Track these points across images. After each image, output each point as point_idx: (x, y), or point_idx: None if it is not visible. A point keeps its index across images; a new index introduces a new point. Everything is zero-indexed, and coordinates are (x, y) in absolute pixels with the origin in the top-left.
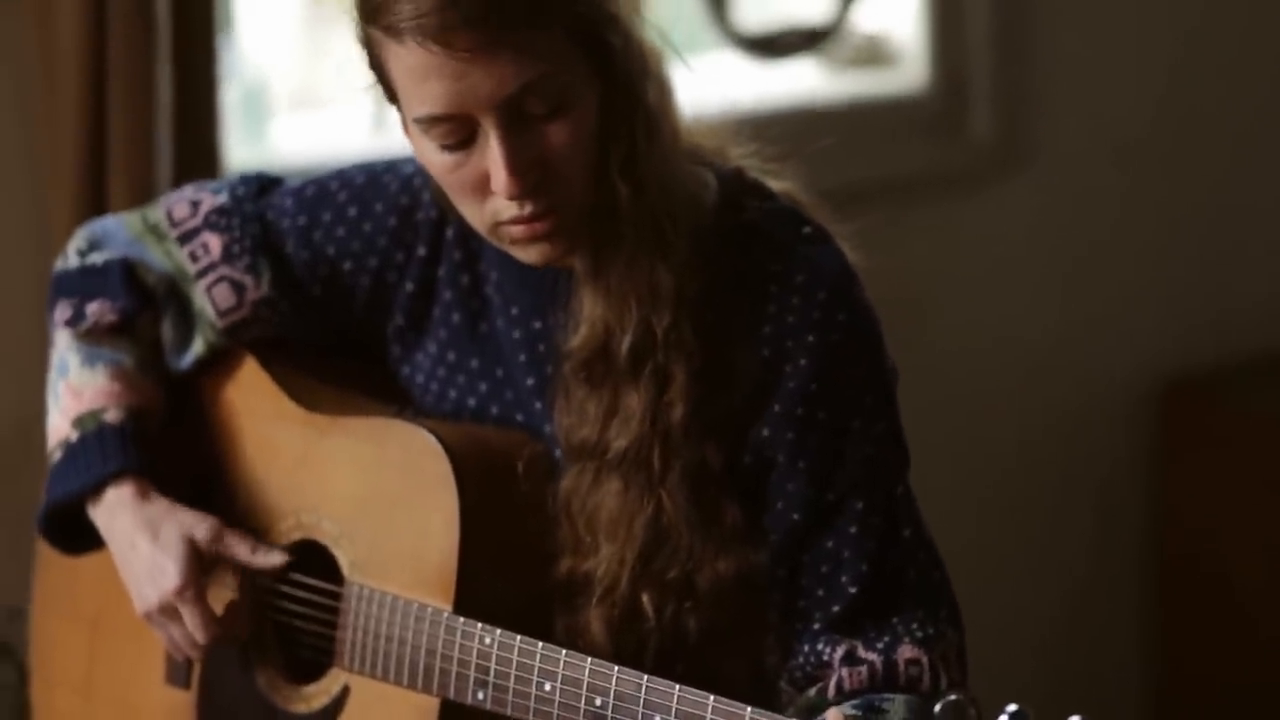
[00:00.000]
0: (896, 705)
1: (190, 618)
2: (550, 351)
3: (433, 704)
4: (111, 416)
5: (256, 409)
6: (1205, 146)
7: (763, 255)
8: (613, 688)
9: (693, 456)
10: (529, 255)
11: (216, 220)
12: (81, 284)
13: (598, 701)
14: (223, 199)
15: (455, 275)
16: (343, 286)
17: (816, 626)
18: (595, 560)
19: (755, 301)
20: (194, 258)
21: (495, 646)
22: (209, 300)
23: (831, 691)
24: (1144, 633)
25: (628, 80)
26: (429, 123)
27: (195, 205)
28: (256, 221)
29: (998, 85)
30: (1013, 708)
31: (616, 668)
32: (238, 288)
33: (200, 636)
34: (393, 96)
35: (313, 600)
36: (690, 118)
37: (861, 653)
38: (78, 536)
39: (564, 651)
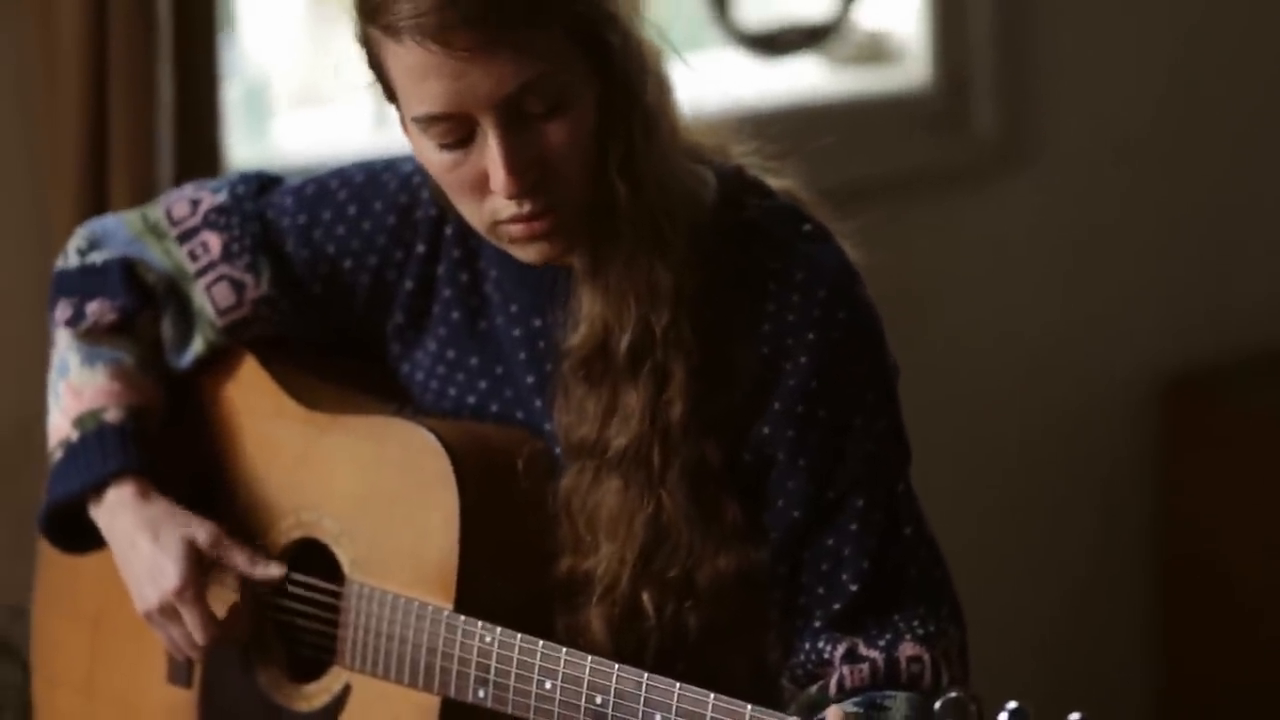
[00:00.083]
0: (898, 703)
1: (190, 618)
2: (550, 349)
3: (433, 702)
4: (112, 416)
5: (256, 407)
6: (1207, 144)
7: (762, 253)
8: (613, 686)
9: (692, 454)
10: (528, 254)
11: (216, 219)
12: (81, 283)
13: (598, 700)
14: (222, 198)
15: (454, 273)
16: (342, 285)
17: (818, 624)
18: (595, 559)
19: (755, 299)
20: (193, 256)
21: (496, 645)
22: (209, 299)
23: (833, 689)
24: (1145, 630)
25: (626, 79)
26: (428, 122)
27: (195, 204)
28: (256, 220)
29: (999, 82)
30: (1012, 705)
31: (617, 666)
32: (237, 286)
33: (200, 637)
34: (392, 95)
35: (313, 599)
36: (690, 116)
37: (863, 650)
38: (79, 536)
39: (564, 650)
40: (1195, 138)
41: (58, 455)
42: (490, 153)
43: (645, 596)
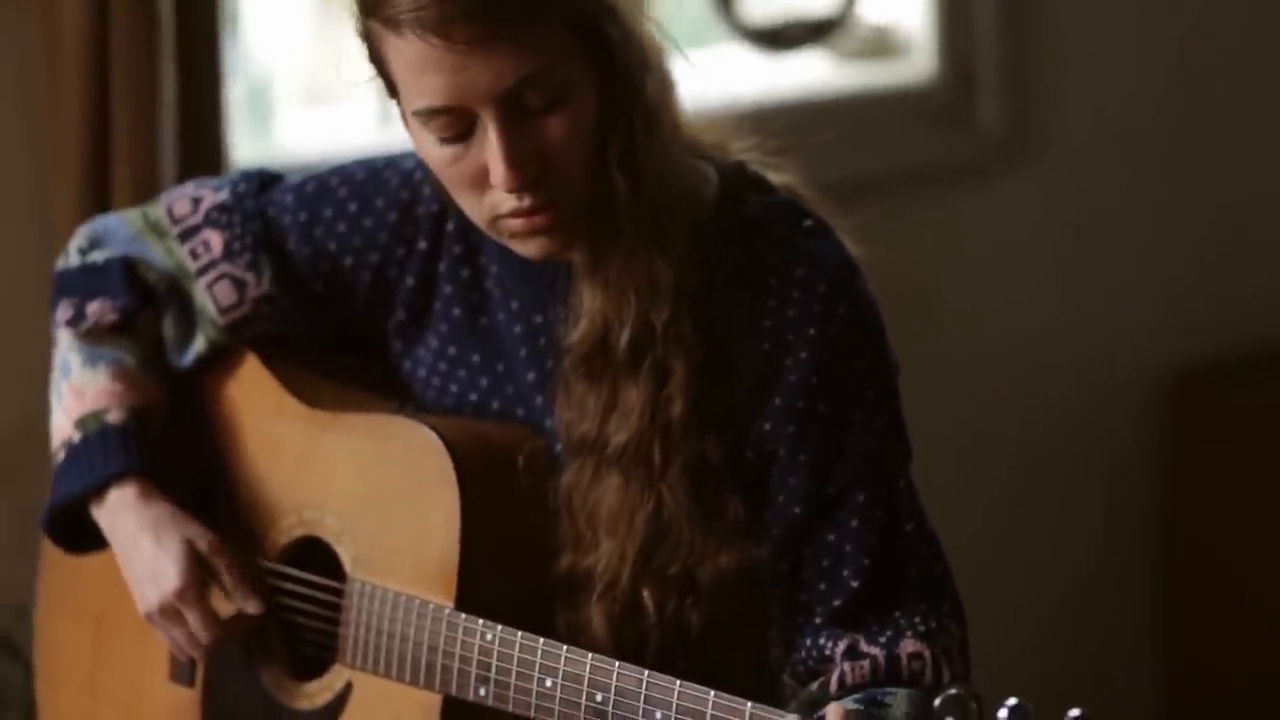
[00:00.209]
0: (898, 699)
1: (192, 619)
2: (551, 346)
3: (435, 700)
4: (114, 417)
5: (258, 406)
6: (1212, 138)
7: (763, 249)
8: (614, 683)
9: (693, 451)
10: (528, 249)
11: (217, 217)
12: (82, 283)
13: (599, 697)
14: (223, 196)
15: (456, 269)
16: (344, 282)
17: (818, 620)
18: (596, 556)
19: (755, 295)
20: (195, 255)
21: (496, 643)
22: (210, 297)
23: (834, 686)
24: (1153, 626)
25: (626, 73)
26: (428, 115)
27: (196, 202)
28: (257, 218)
29: (1005, 77)
30: (1012, 701)
31: (617, 663)
32: (239, 285)
33: (202, 637)
34: (392, 90)
35: (315, 597)
36: (691, 111)
37: (864, 647)
38: (81, 536)
39: (565, 647)
40: (1200, 132)
41: (60, 456)
42: (490, 146)
43: (646, 593)
